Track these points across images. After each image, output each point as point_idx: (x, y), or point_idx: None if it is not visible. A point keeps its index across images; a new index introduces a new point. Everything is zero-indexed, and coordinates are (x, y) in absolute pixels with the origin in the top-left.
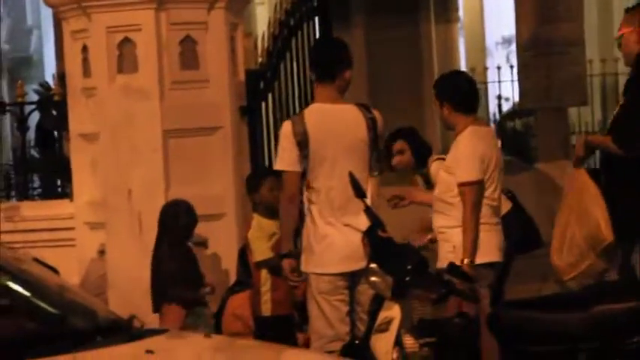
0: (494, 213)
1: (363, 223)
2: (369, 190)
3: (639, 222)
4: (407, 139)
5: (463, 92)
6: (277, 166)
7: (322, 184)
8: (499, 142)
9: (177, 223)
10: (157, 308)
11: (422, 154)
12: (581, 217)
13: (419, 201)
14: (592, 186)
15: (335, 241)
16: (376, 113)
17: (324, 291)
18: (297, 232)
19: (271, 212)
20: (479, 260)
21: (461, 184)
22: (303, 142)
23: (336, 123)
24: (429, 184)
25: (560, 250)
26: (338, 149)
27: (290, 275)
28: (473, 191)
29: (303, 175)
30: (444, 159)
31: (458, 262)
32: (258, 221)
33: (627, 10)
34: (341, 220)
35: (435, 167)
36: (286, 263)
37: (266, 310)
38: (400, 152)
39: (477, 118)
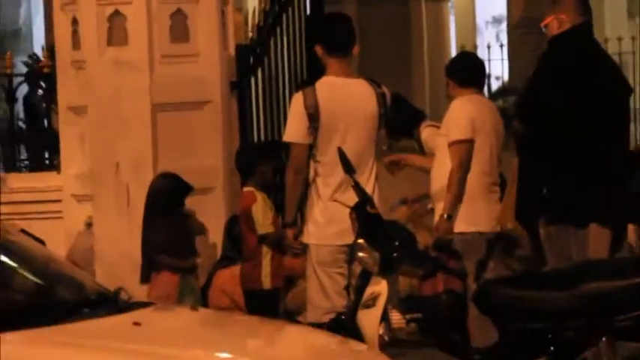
0: (487, 181)
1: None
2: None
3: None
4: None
5: (466, 69)
6: (286, 137)
7: (330, 157)
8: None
9: (165, 194)
10: (145, 278)
11: (411, 120)
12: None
13: (417, 165)
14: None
15: (338, 213)
16: (385, 88)
17: (323, 262)
18: (301, 204)
19: (267, 188)
20: (468, 228)
21: (450, 143)
22: (314, 115)
23: (347, 97)
24: (423, 151)
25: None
26: (348, 123)
27: (293, 244)
28: (461, 149)
29: (311, 147)
30: (435, 126)
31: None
32: (262, 196)
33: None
34: (345, 192)
35: (426, 133)
36: (289, 232)
37: (266, 283)
38: None
39: (477, 92)
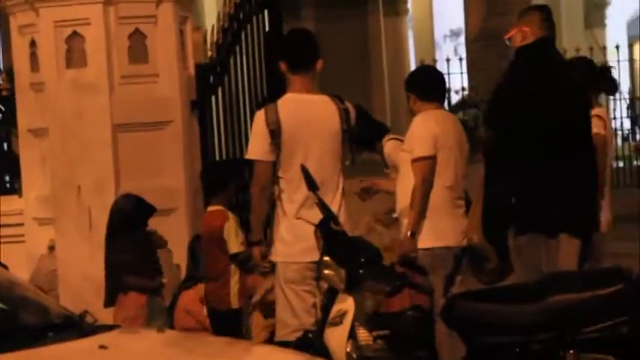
0: (452, 196)
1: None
2: (341, 180)
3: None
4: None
5: (427, 82)
6: (249, 155)
7: (294, 174)
8: (462, 129)
9: (127, 215)
10: (111, 301)
11: (373, 133)
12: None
13: (384, 189)
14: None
15: (304, 230)
16: (349, 104)
17: (291, 280)
18: (268, 222)
19: (232, 206)
20: (434, 243)
21: (413, 160)
22: (275, 132)
23: (309, 113)
24: (385, 164)
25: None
26: (311, 139)
27: (260, 262)
28: (424, 166)
29: (275, 164)
30: (398, 139)
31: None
32: (232, 215)
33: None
34: (310, 209)
35: (389, 147)
36: (256, 251)
37: (234, 302)
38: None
39: (438, 106)
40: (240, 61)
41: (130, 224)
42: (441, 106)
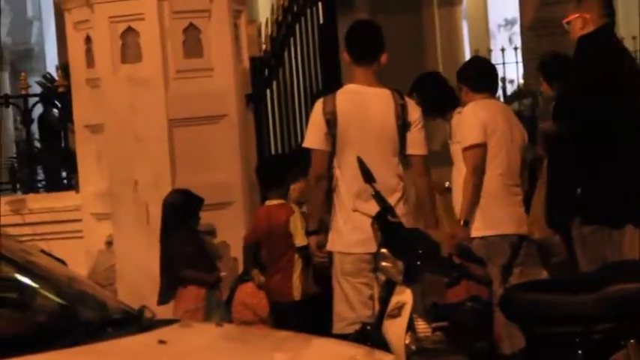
0: (506, 183)
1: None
2: (400, 173)
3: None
4: (418, 92)
5: (478, 74)
6: (305, 143)
7: (349, 165)
8: (515, 118)
9: (178, 208)
10: (167, 296)
11: (446, 100)
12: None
13: None
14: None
15: (360, 221)
16: (410, 101)
17: (347, 272)
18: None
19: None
20: (489, 232)
21: (463, 149)
22: (331, 121)
23: (365, 105)
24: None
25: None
26: (365, 132)
27: (316, 252)
28: (474, 154)
29: (334, 154)
30: None
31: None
32: (297, 208)
33: None
34: (367, 201)
35: (455, 120)
36: (312, 240)
37: (297, 295)
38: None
39: (490, 97)
40: (295, 54)
41: (182, 217)
42: (493, 97)
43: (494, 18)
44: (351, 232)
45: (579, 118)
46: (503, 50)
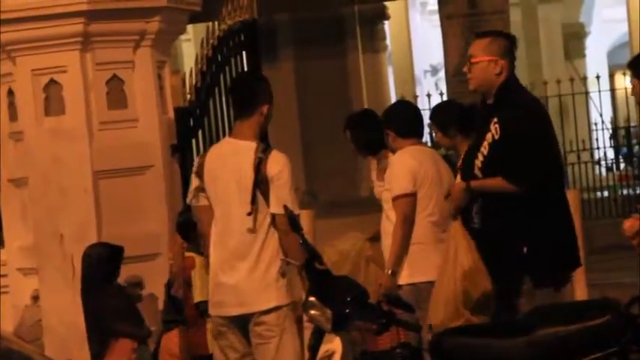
0: (434, 230)
1: (241, 268)
2: (263, 225)
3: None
4: (350, 130)
5: (405, 119)
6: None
7: (214, 221)
8: (444, 163)
9: (105, 262)
10: (99, 348)
11: (378, 140)
12: (457, 273)
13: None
14: (467, 238)
15: (220, 282)
16: (274, 154)
17: (213, 334)
18: None
19: None
20: (417, 279)
21: (393, 198)
22: (199, 174)
23: (227, 159)
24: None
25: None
26: (222, 186)
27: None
28: (404, 204)
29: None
30: None
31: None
32: (201, 260)
33: (479, 35)
34: (221, 260)
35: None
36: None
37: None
38: (350, 141)
39: (417, 142)
40: (220, 103)
41: (108, 270)
42: (420, 142)
43: (420, 64)
44: (212, 293)
45: (543, 172)
46: (429, 96)
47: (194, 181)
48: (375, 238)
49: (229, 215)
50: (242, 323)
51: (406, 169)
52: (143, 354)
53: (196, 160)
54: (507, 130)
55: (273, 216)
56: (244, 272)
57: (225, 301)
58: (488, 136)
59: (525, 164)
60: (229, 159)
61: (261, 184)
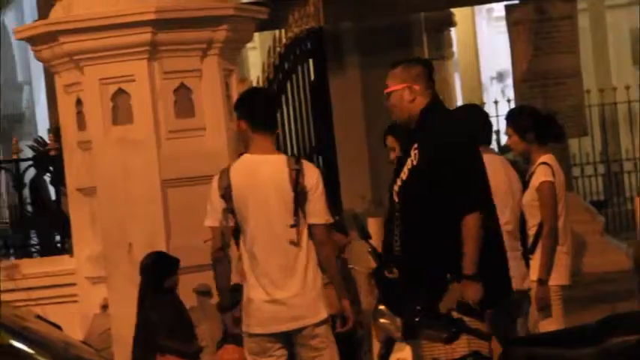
0: (509, 239)
1: (292, 283)
2: (303, 238)
3: None
4: (394, 135)
5: (475, 125)
6: (205, 221)
7: (248, 238)
8: (512, 170)
9: (151, 270)
10: None
11: None
12: None
13: None
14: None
15: (260, 299)
16: (307, 165)
17: (253, 352)
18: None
19: None
20: None
21: None
22: (227, 196)
23: (257, 175)
24: None
25: None
26: (258, 203)
27: (232, 329)
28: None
29: (238, 230)
30: None
31: None
32: None
33: (393, 64)
34: (266, 277)
35: None
36: (227, 317)
37: None
38: (392, 149)
39: (486, 149)
40: (287, 112)
41: (155, 278)
42: (489, 149)
43: (487, 71)
44: (252, 311)
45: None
46: (496, 102)
47: (220, 203)
48: None
49: (270, 231)
50: (288, 339)
51: None
52: None
53: (216, 182)
54: (425, 157)
55: (309, 227)
56: (296, 286)
57: (276, 317)
58: (408, 162)
59: (449, 190)
60: (260, 175)
61: (300, 195)
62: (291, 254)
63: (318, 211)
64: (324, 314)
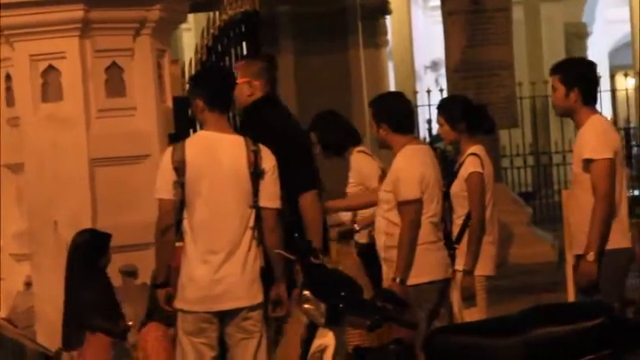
0: (435, 230)
1: (233, 263)
2: (253, 226)
3: None
4: (315, 131)
5: (401, 113)
6: (155, 193)
7: (197, 215)
8: (435, 160)
9: (85, 248)
10: (72, 343)
11: (343, 139)
12: None
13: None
14: None
15: (203, 277)
16: (263, 148)
17: (188, 331)
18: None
19: None
20: (419, 280)
21: (400, 203)
22: (180, 170)
23: (215, 153)
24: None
25: None
26: (216, 181)
27: (165, 306)
28: (412, 210)
29: (184, 204)
30: (364, 151)
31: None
32: None
33: (241, 60)
34: (210, 254)
35: (354, 158)
36: (160, 293)
37: None
38: (315, 143)
39: (413, 138)
40: None
41: (89, 256)
42: (416, 138)
43: (421, 59)
44: (191, 287)
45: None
46: (429, 92)
47: (171, 176)
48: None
49: (221, 209)
50: (222, 319)
51: (416, 174)
52: (122, 350)
53: (169, 155)
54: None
55: (260, 210)
56: (238, 266)
57: (216, 295)
58: None
59: None
60: (218, 152)
61: (255, 177)
62: (238, 235)
63: (270, 195)
64: (259, 298)
